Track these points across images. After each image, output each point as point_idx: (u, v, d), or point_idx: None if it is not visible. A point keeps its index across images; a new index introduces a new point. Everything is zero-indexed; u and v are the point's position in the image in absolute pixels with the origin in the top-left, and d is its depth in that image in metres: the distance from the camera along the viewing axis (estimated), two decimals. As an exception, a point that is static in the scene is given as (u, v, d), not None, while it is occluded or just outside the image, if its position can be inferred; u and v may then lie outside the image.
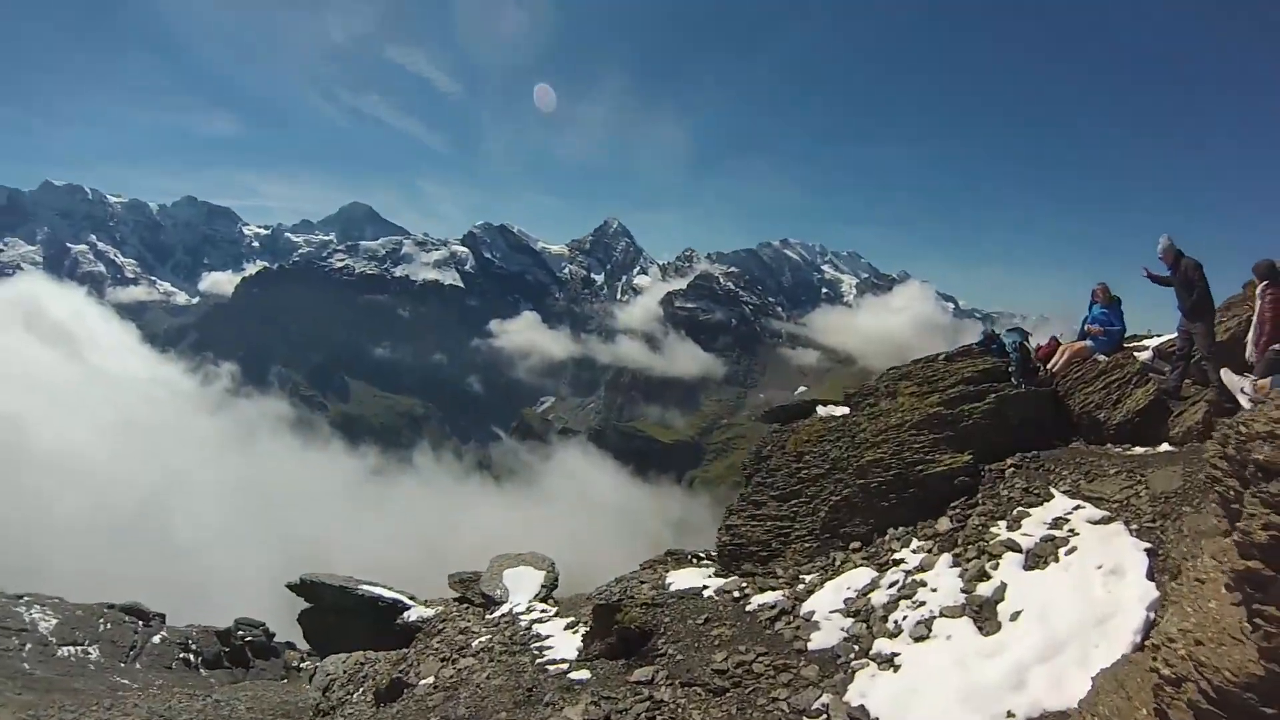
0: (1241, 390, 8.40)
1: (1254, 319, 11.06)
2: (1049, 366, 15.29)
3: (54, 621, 23.66)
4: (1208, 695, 4.86)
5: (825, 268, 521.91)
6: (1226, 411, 12.82)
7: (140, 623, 26.09)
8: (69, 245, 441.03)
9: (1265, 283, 11.16)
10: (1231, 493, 5.04)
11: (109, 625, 24.82)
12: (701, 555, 17.65)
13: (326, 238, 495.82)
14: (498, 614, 16.63)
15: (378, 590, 21.45)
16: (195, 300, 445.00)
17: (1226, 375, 9.70)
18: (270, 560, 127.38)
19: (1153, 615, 6.92)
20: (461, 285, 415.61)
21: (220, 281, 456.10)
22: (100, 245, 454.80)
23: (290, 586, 23.20)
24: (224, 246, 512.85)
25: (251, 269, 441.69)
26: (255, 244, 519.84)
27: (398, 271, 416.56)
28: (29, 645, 21.96)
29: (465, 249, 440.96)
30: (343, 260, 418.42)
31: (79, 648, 22.89)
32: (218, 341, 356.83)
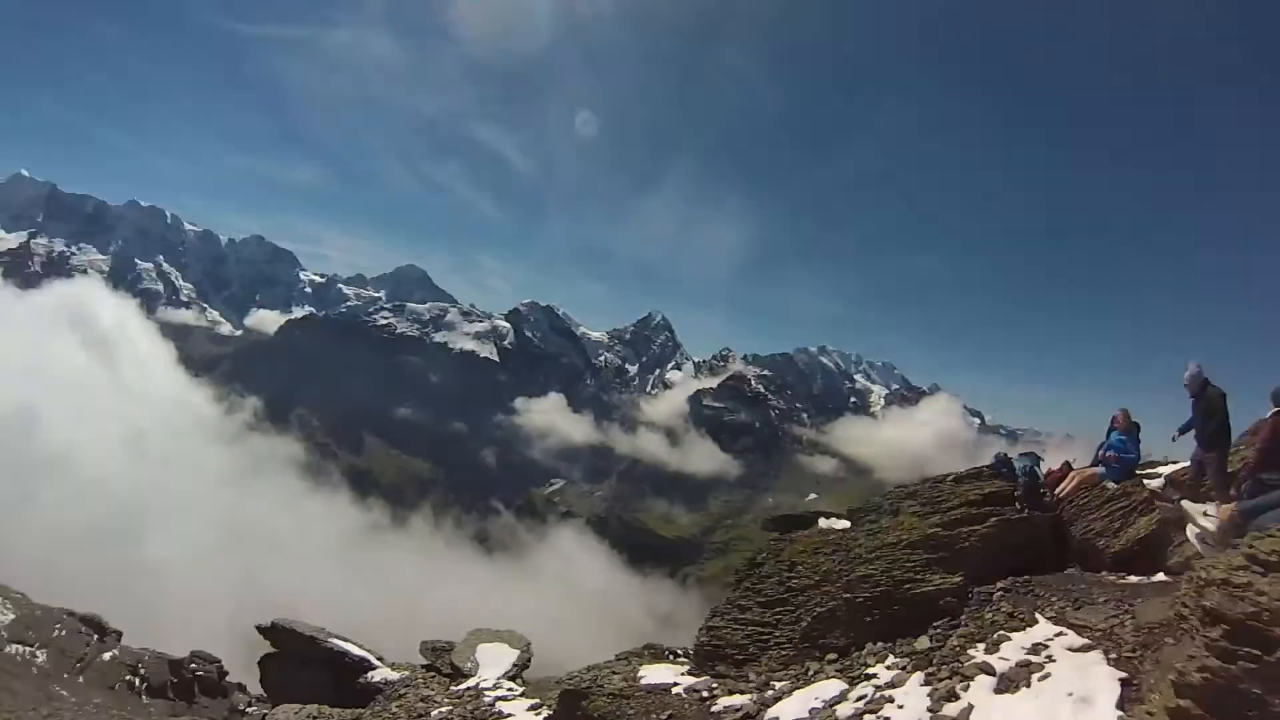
0: (1204, 514, 8.16)
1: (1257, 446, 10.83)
2: (1056, 492, 15.00)
3: (10, 617, 23.28)
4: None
5: (858, 377, 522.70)
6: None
7: (95, 636, 25.60)
8: (137, 261, 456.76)
9: (1277, 410, 10.90)
10: (1194, 630, 4.94)
11: (63, 632, 24.31)
12: (679, 652, 17.41)
13: (376, 294, 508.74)
14: (463, 687, 16.45)
15: (346, 646, 21.06)
16: (239, 332, 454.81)
17: (1186, 505, 9.48)
18: (244, 597, 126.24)
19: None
20: (496, 359, 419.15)
21: (266, 319, 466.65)
22: (165, 266, 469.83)
23: (260, 628, 22.76)
24: (278, 288, 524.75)
25: (299, 312, 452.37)
26: (308, 289, 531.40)
27: (438, 337, 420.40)
28: (-21, 635, 21.70)
29: (508, 324, 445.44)
30: (387, 319, 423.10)
31: (29, 649, 22.46)
32: (249, 375, 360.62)
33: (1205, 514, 8.18)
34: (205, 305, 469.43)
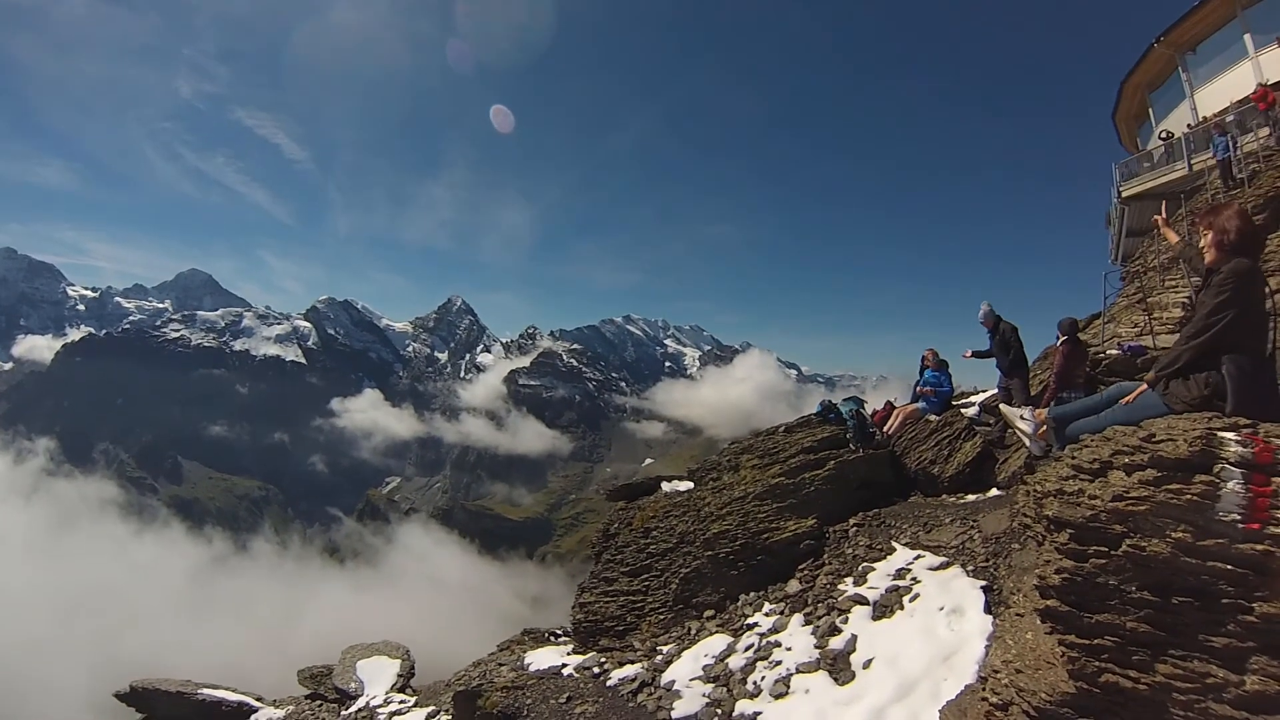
0: (1021, 417, 9.23)
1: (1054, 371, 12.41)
2: (885, 429, 16.06)
3: None
4: (1030, 715, 5.31)
5: (668, 342, 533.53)
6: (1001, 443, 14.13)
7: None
8: None
9: (1064, 338, 12.57)
10: (1039, 536, 5.57)
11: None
12: (559, 632, 17.56)
13: (161, 305, 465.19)
14: (354, 709, 15.94)
15: (220, 694, 19.84)
16: (8, 366, 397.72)
17: (1004, 408, 10.69)
18: (95, 667, 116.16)
19: (991, 645, 7.38)
20: (304, 361, 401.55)
21: (38, 347, 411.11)
22: None
23: (119, 696, 21.10)
24: (44, 308, 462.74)
25: (75, 335, 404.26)
26: (80, 307, 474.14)
27: (237, 345, 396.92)
28: None
29: (308, 324, 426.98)
30: (178, 331, 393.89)
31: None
32: (32, 415, 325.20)
33: (1022, 417, 9.16)
34: None
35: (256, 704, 18.99)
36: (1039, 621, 5.47)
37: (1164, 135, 27.13)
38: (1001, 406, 11.39)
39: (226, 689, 20.16)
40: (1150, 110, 33.49)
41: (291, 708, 18.00)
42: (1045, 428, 8.10)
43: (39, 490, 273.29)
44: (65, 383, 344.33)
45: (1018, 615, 6.04)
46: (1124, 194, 27.62)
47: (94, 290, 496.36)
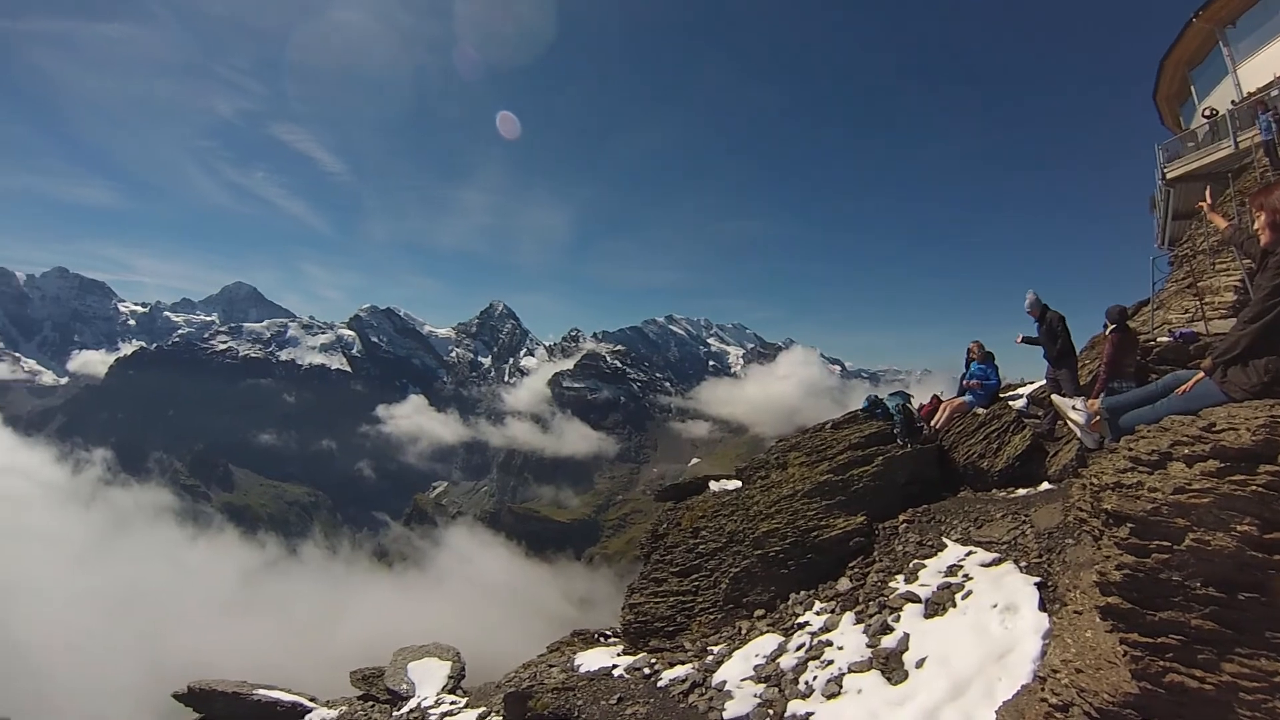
0: (1073, 409, 9.02)
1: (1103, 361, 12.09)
2: (932, 424, 15.83)
3: None
4: (1091, 716, 5.20)
5: (711, 341, 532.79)
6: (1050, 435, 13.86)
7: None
8: None
9: (1113, 326, 12.27)
10: (1096, 531, 5.44)
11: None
12: (608, 633, 17.50)
13: (208, 318, 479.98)
14: (406, 709, 16.06)
15: (275, 694, 20.08)
16: (64, 380, 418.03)
17: (1056, 399, 10.45)
18: (150, 666, 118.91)
19: (1047, 643, 7.22)
20: (348, 369, 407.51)
21: (92, 361, 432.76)
22: None
23: (177, 696, 21.50)
24: (97, 324, 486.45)
25: (127, 349, 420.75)
26: (131, 322, 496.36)
27: (283, 355, 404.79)
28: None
29: (351, 332, 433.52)
30: (225, 342, 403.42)
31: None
32: (88, 427, 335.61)
33: (1074, 409, 8.98)
34: (17, 355, 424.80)
35: (310, 704, 19.20)
36: (1099, 619, 5.35)
37: (1208, 113, 26.42)
38: (1053, 397, 11.17)
39: (281, 689, 20.42)
40: (1192, 88, 32.66)
41: (344, 708, 18.16)
42: (1099, 419, 7.92)
43: (97, 499, 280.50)
44: (119, 395, 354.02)
45: (1076, 613, 5.92)
46: (1168, 176, 26.95)
47: (144, 305, 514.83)
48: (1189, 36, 30.32)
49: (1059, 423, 13.52)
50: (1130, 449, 5.36)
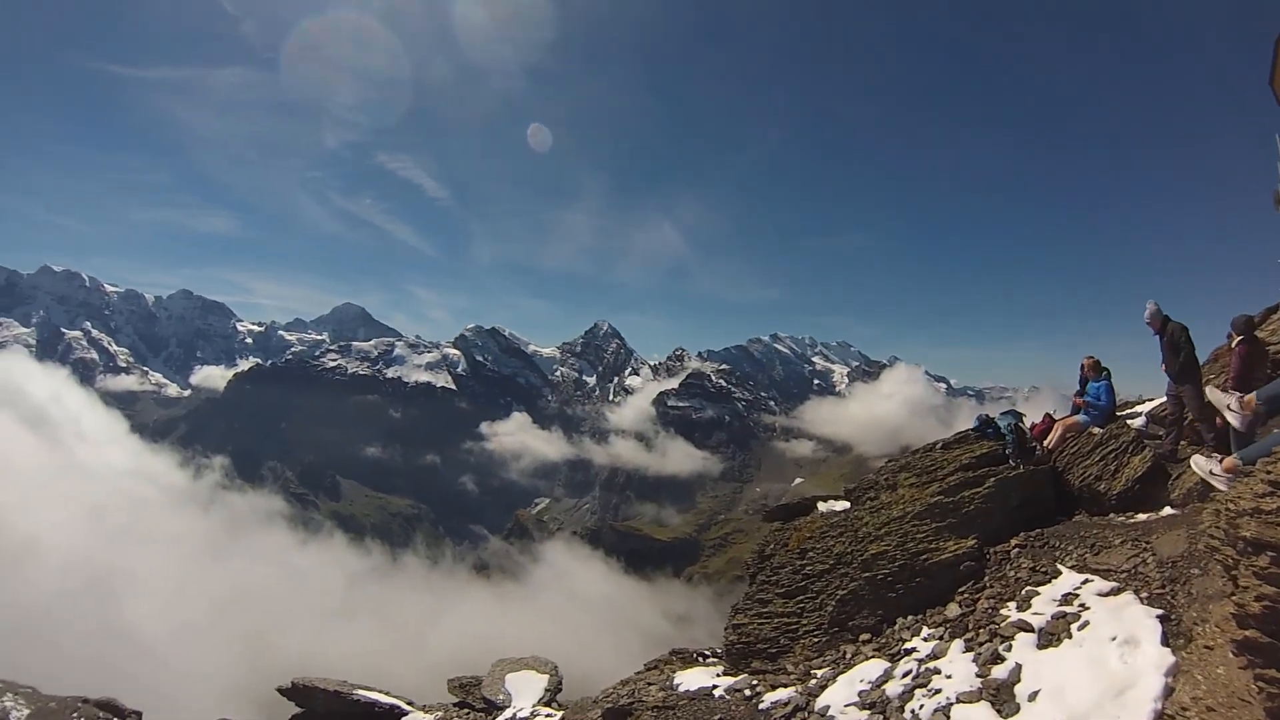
0: (1229, 407, 8.51)
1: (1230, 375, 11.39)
2: (1045, 444, 15.26)
3: (25, 712, 22.68)
4: (1224, 759, 4.92)
5: (816, 359, 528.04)
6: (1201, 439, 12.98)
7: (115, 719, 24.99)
8: (63, 330, 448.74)
9: (1240, 338, 11.52)
10: (1230, 560, 5.16)
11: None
12: (707, 653, 17.34)
13: (319, 337, 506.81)
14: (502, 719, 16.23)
15: (374, 696, 20.56)
16: (187, 393, 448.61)
17: (1211, 391, 9.84)
18: (254, 662, 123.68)
19: (1171, 681, 6.85)
20: (453, 387, 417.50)
21: (212, 376, 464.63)
22: (94, 333, 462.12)
23: (281, 690, 22.22)
24: (217, 341, 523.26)
25: (244, 365, 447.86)
26: (248, 340, 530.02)
27: (390, 373, 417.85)
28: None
29: (457, 351, 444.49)
30: (335, 360, 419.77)
31: (52, 743, 21.87)
32: (207, 436, 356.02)
33: (1229, 407, 8.51)
34: (145, 369, 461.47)
35: (408, 708, 19.48)
36: (1233, 655, 5.07)
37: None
38: (1210, 390, 10.53)
39: (379, 691, 20.83)
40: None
41: (440, 714, 18.40)
42: (1253, 406, 7.47)
43: (214, 502, 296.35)
44: (236, 407, 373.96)
45: (1207, 648, 5.63)
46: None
47: (260, 325, 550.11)
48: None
49: (1181, 442, 12.86)
50: (1269, 472, 5.10)
